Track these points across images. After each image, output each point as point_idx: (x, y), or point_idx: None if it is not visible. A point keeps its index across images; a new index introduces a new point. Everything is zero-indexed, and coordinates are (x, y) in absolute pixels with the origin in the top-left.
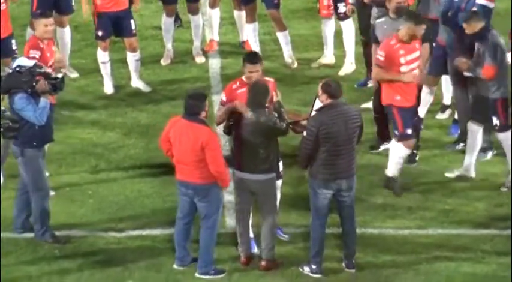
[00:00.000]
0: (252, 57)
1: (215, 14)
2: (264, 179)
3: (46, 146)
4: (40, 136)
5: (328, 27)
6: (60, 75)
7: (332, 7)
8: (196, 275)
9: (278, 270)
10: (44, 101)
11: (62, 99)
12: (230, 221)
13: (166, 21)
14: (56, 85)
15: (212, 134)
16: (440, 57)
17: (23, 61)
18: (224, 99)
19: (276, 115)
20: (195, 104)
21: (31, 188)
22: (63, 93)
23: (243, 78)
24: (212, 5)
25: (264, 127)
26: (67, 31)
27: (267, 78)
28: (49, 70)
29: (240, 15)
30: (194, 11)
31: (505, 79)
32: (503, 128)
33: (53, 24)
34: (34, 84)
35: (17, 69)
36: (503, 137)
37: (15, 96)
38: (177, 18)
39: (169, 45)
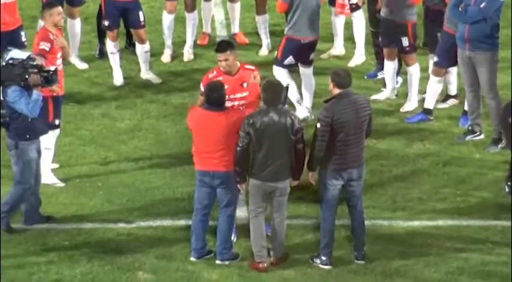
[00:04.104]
0: (219, 46)
1: (207, 6)
2: (287, 182)
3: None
4: (33, 128)
5: (339, 19)
6: (52, 68)
7: (348, 6)
8: (217, 262)
9: (288, 262)
10: (36, 93)
11: (71, 90)
12: (240, 213)
13: (166, 18)
14: (49, 78)
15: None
16: (448, 48)
17: (16, 54)
18: (202, 89)
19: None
20: (219, 96)
21: (16, 178)
22: (73, 85)
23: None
24: None
25: (298, 129)
26: (77, 23)
27: (247, 66)
28: (55, 61)
29: (233, 7)
30: (190, 9)
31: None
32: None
33: (62, 13)
34: (27, 77)
35: (10, 62)
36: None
37: (8, 89)
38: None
39: (169, 42)
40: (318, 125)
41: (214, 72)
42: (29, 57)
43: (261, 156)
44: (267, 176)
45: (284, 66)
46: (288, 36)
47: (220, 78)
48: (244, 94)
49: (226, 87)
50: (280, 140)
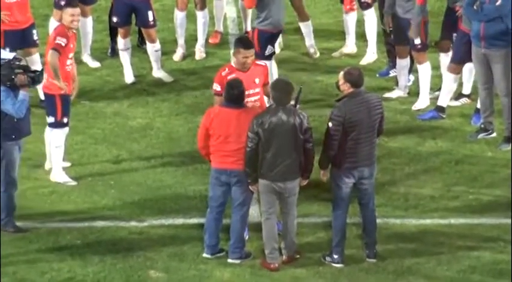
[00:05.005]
0: (246, 42)
1: (219, 4)
2: (296, 183)
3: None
4: (18, 129)
5: (350, 17)
6: (39, 69)
7: (355, 2)
8: (229, 260)
9: (300, 260)
10: (23, 93)
11: (83, 89)
12: (252, 211)
13: (178, 16)
14: (35, 78)
15: None
16: (463, 45)
17: (2, 54)
18: (218, 88)
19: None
20: (239, 92)
21: (2, 178)
22: (85, 83)
23: (232, 63)
24: None
25: (306, 128)
26: (89, 21)
27: (258, 62)
28: (66, 60)
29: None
30: (201, 7)
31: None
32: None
33: (79, 15)
34: (13, 77)
35: None
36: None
37: None
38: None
39: (181, 41)
40: (330, 124)
41: (227, 69)
42: (15, 58)
43: (270, 156)
44: (275, 176)
45: (267, 58)
46: (260, 30)
47: (233, 75)
48: (257, 90)
49: None
50: (289, 139)
